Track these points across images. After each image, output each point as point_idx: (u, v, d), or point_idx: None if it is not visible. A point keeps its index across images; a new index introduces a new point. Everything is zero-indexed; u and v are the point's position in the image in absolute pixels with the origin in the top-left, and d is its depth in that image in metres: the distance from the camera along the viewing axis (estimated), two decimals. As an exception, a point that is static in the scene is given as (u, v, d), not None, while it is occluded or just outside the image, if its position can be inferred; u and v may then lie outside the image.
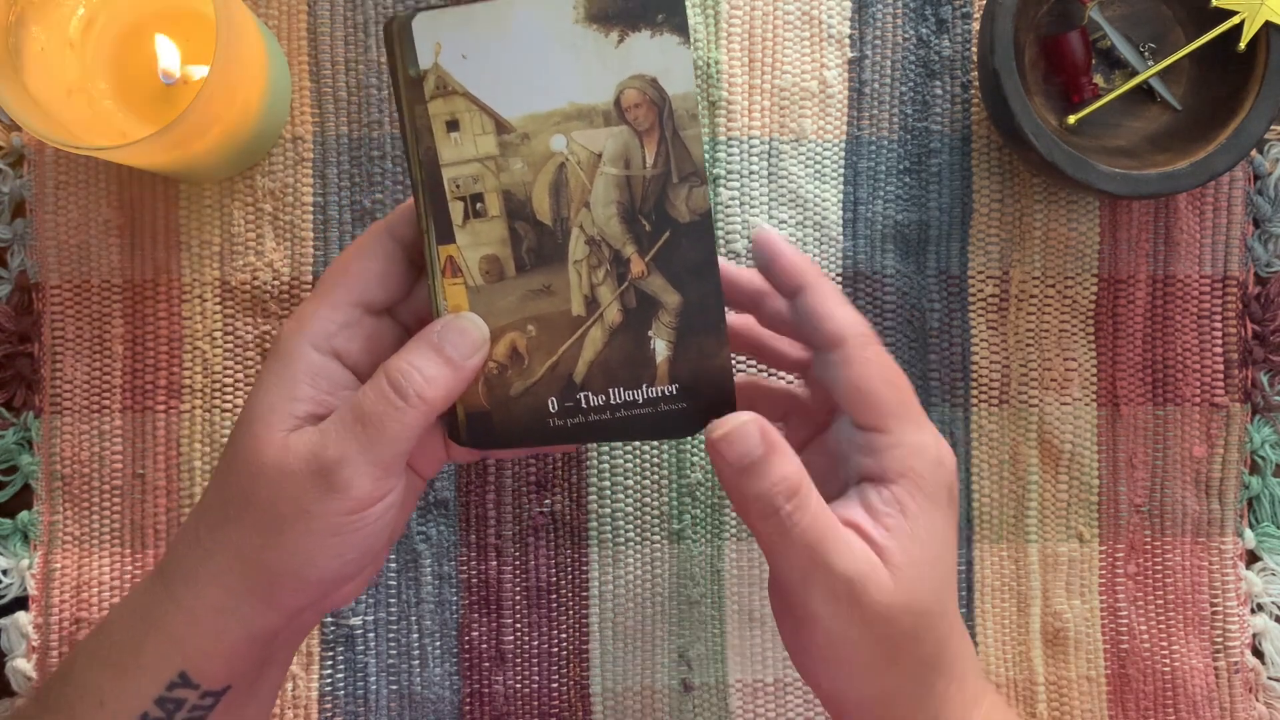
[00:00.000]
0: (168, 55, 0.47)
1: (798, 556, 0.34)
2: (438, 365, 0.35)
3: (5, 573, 0.50)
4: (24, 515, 0.50)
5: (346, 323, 0.36)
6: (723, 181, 0.51)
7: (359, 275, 0.36)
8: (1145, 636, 0.52)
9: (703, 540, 0.51)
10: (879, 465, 0.36)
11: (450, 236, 0.36)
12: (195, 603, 0.35)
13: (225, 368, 0.51)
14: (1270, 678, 0.52)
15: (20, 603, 0.50)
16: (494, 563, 0.51)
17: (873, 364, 0.36)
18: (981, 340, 0.52)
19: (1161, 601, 0.52)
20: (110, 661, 0.36)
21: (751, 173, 0.51)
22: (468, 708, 0.51)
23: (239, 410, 0.51)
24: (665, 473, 0.51)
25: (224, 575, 0.35)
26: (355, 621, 0.51)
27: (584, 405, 0.37)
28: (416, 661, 0.51)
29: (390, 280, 0.37)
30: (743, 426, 0.34)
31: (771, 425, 0.35)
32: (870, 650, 0.35)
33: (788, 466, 0.34)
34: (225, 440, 0.50)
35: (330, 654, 0.51)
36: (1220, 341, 0.52)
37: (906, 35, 0.52)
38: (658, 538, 0.51)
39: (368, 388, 0.35)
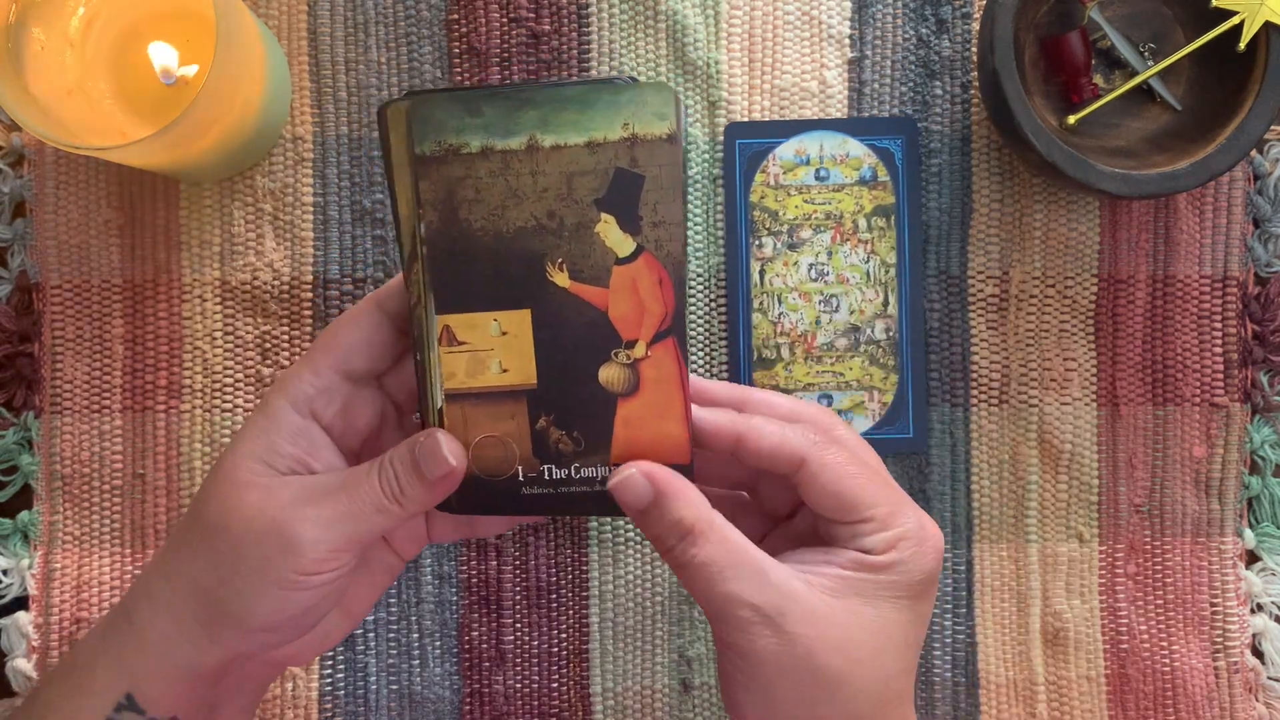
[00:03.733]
0: (163, 58, 0.47)
1: (700, 586, 0.36)
2: (413, 479, 0.37)
3: (5, 573, 0.50)
4: (24, 515, 0.50)
5: (326, 388, 0.38)
6: (722, 181, 0.51)
7: (343, 344, 0.38)
8: (1145, 636, 0.52)
9: (703, 540, 0.51)
10: (869, 548, 0.37)
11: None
12: (147, 627, 0.37)
13: (225, 368, 0.51)
14: (1270, 678, 0.52)
15: (20, 603, 0.50)
16: (494, 563, 0.51)
17: (837, 466, 0.37)
18: (981, 340, 0.52)
19: (1161, 601, 0.52)
20: (70, 680, 0.38)
21: (751, 173, 0.52)
22: (468, 708, 0.51)
23: (239, 410, 0.51)
24: (665, 473, 0.51)
25: (176, 603, 0.37)
26: (355, 621, 0.51)
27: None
28: (416, 661, 0.51)
29: (374, 350, 0.38)
30: (630, 477, 0.36)
31: (669, 472, 0.37)
32: (793, 682, 0.35)
33: (681, 510, 0.36)
34: (226, 441, 0.51)
35: (330, 654, 0.51)
36: (1220, 341, 0.52)
37: (906, 35, 0.52)
38: (658, 538, 0.51)
39: (362, 469, 0.37)
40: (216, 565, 0.36)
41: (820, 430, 0.38)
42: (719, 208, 0.51)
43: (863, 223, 0.51)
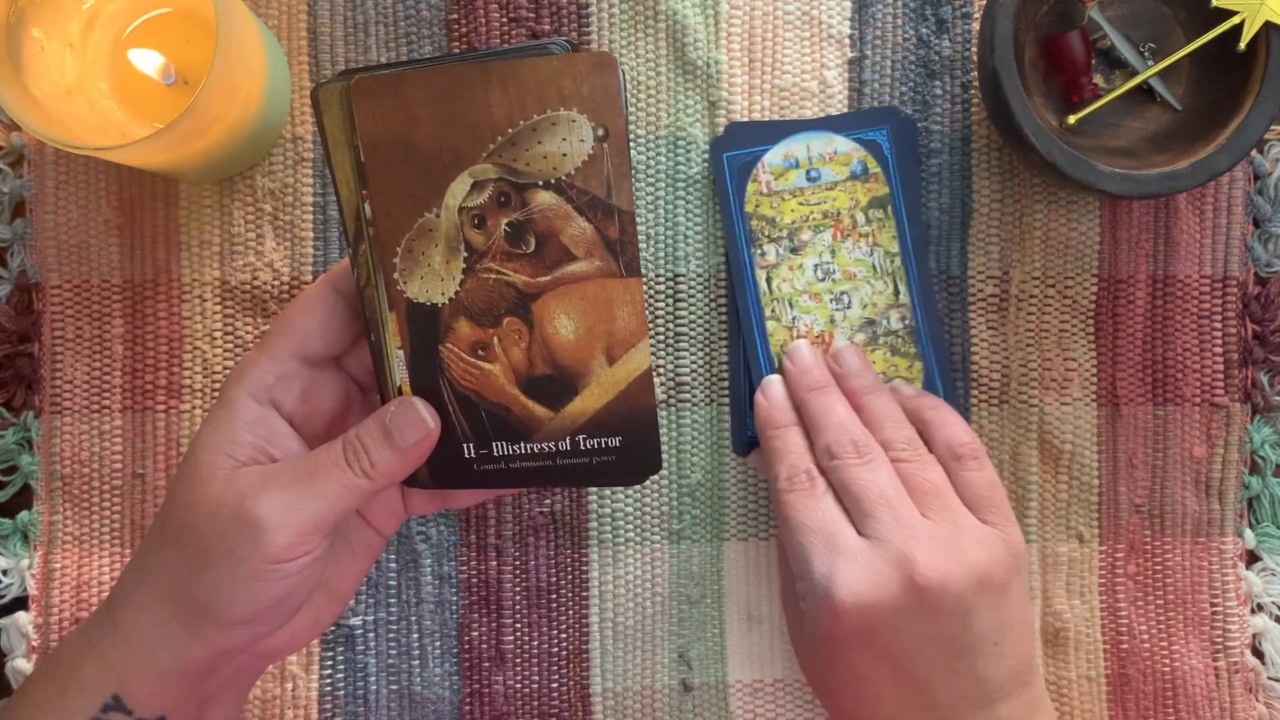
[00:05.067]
0: (148, 65, 0.47)
1: None
2: (385, 449, 0.37)
3: (5, 573, 0.50)
4: (24, 515, 0.50)
5: (284, 374, 0.38)
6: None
7: (299, 329, 0.38)
8: (1145, 636, 0.52)
9: (703, 540, 0.51)
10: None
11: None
12: (129, 627, 0.37)
13: (225, 368, 0.51)
14: (1270, 678, 0.52)
15: (20, 603, 0.50)
16: (494, 563, 0.51)
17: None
18: (981, 340, 0.52)
19: (1161, 601, 0.52)
20: (55, 679, 0.38)
21: (751, 173, 0.52)
22: (468, 708, 0.51)
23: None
24: (665, 473, 0.51)
25: (155, 603, 0.37)
26: (355, 621, 0.51)
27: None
28: (416, 661, 0.51)
29: (329, 333, 0.38)
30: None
31: None
32: None
33: None
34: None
35: (330, 654, 0.51)
36: (1220, 341, 0.52)
37: (906, 35, 0.52)
38: (658, 538, 0.51)
39: (325, 448, 0.37)
40: (188, 562, 0.36)
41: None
42: (718, 207, 0.51)
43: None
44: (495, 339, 0.37)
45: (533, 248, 0.37)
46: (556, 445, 0.38)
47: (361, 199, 0.37)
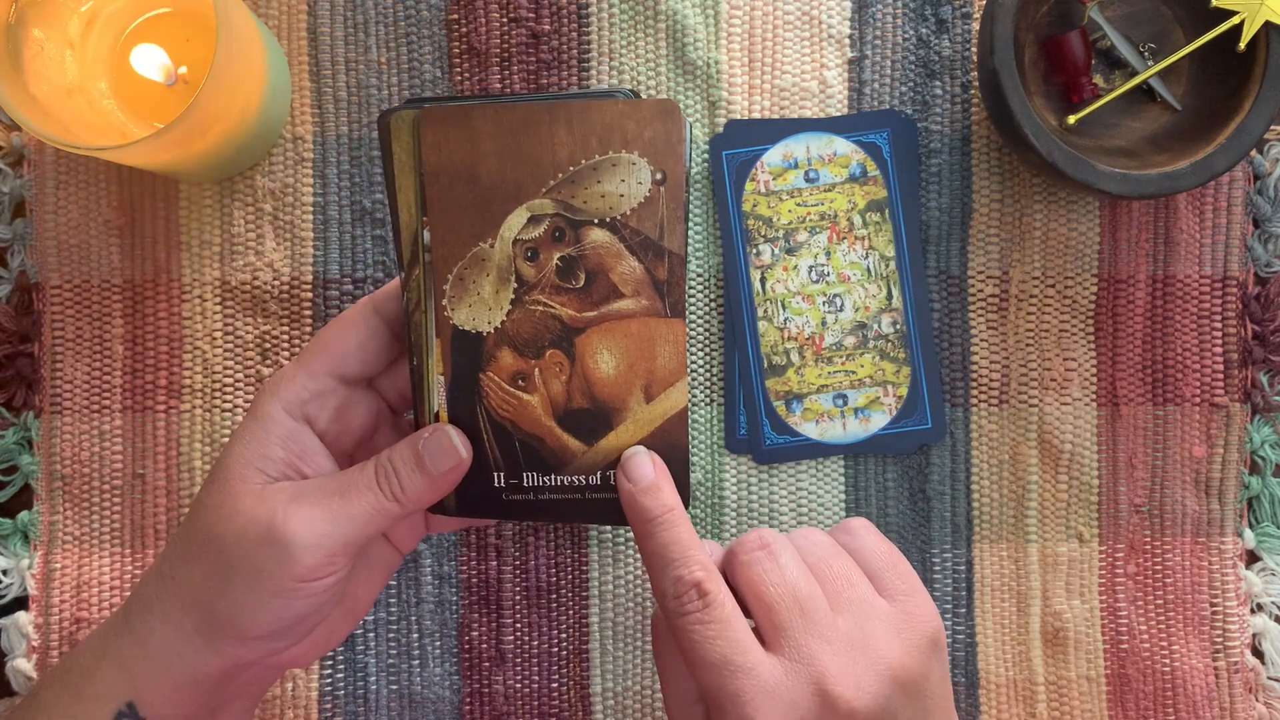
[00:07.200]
0: (151, 64, 0.47)
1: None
2: (416, 474, 0.37)
3: (5, 573, 0.50)
4: (24, 515, 0.50)
5: (320, 391, 0.38)
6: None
7: (337, 347, 0.38)
8: (1145, 636, 0.52)
9: (701, 539, 0.51)
10: None
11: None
12: (148, 636, 0.37)
13: (225, 368, 0.51)
14: (1270, 678, 0.52)
15: (20, 603, 0.50)
16: (494, 563, 0.51)
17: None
18: (981, 340, 0.52)
19: (1161, 601, 0.52)
20: (68, 686, 0.38)
21: (751, 173, 0.52)
22: (468, 708, 0.51)
23: (239, 410, 0.51)
24: (665, 473, 0.51)
25: (176, 612, 0.37)
26: (355, 621, 0.51)
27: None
28: (416, 661, 0.51)
29: (368, 354, 0.39)
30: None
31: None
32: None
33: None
34: (225, 441, 0.51)
35: (330, 654, 0.51)
36: (1220, 341, 0.52)
37: (906, 35, 0.52)
38: (658, 538, 0.51)
39: (356, 469, 0.37)
40: (213, 575, 0.36)
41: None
42: (716, 205, 0.51)
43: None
44: (536, 370, 0.38)
45: (582, 283, 0.38)
46: (587, 479, 0.39)
47: (421, 225, 0.37)
